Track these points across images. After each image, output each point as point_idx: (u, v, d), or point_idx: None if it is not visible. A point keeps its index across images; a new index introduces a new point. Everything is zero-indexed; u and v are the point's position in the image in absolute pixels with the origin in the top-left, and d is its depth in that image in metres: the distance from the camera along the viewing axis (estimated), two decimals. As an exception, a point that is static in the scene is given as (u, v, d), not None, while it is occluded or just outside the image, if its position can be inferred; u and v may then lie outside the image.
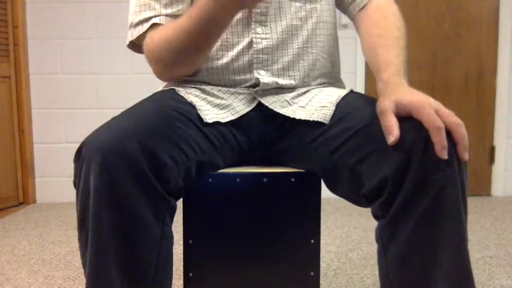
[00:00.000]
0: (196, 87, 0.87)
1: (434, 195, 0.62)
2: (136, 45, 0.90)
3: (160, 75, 0.88)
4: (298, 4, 0.86)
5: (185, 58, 0.82)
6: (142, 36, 0.86)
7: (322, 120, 0.80)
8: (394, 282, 0.67)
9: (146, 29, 0.84)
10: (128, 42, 0.89)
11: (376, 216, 0.70)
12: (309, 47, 0.88)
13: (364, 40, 0.86)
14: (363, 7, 0.90)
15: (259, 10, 0.83)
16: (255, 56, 0.85)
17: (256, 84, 0.86)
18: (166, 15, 0.84)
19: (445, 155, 0.60)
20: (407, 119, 0.65)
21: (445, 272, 0.63)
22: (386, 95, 0.68)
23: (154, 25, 0.84)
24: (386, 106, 0.66)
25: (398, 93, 0.67)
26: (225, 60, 0.85)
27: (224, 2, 0.70)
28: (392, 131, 0.64)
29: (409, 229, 0.64)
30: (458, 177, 0.63)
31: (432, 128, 0.61)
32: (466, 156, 0.62)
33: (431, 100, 0.65)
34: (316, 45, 0.89)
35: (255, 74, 0.85)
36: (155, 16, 0.84)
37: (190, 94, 0.84)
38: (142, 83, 2.68)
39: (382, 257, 0.69)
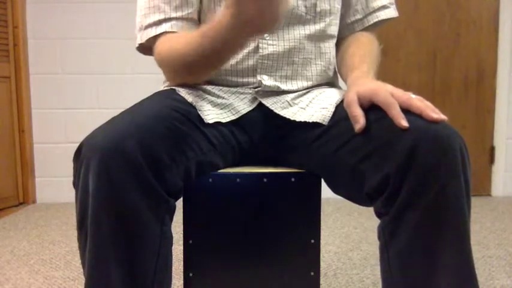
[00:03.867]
0: (197, 88, 0.87)
1: (436, 191, 0.62)
2: (145, 48, 0.90)
3: (171, 80, 0.90)
4: (308, 17, 0.87)
5: (196, 71, 0.82)
6: (151, 39, 0.86)
7: (321, 121, 0.80)
8: (396, 279, 0.67)
9: (157, 33, 0.84)
10: (137, 45, 0.89)
11: (378, 213, 0.70)
12: (315, 59, 0.90)
13: (345, 53, 0.92)
14: (353, 32, 0.97)
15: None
16: (260, 61, 0.85)
17: (259, 86, 0.87)
18: (177, 18, 0.84)
19: (404, 123, 0.64)
20: (411, 118, 0.65)
21: (447, 269, 0.63)
22: (350, 89, 0.75)
23: (165, 32, 0.84)
24: (350, 98, 0.72)
25: (359, 85, 0.74)
26: (229, 62, 0.86)
27: (240, 29, 0.68)
28: (359, 120, 0.70)
29: (411, 226, 0.64)
30: (462, 174, 0.63)
31: (386, 105, 0.67)
32: (439, 115, 0.65)
33: (388, 86, 0.70)
34: (321, 57, 0.91)
35: (258, 78, 0.86)
36: (165, 19, 0.84)
37: (191, 94, 0.84)
38: (142, 83, 2.68)
39: (384, 254, 0.69)
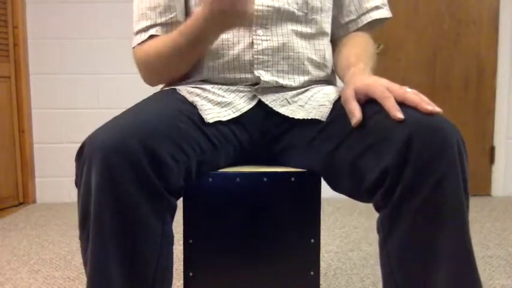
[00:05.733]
0: (197, 87, 0.88)
1: (434, 183, 0.62)
2: None
3: (149, 81, 0.96)
4: (300, 13, 0.88)
5: (174, 67, 0.89)
6: (142, 44, 0.91)
7: (319, 118, 0.81)
8: (395, 273, 0.67)
9: (145, 38, 0.90)
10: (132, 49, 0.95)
11: (377, 207, 0.70)
12: (310, 54, 0.90)
13: (341, 52, 0.94)
14: (348, 32, 0.99)
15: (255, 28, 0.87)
16: (256, 56, 0.86)
17: (257, 83, 0.87)
18: (161, 23, 0.89)
19: (400, 115, 0.65)
20: (407, 111, 0.65)
21: (446, 260, 0.63)
22: (346, 85, 0.77)
23: (151, 36, 0.90)
24: (347, 94, 0.74)
25: (356, 81, 0.75)
26: (226, 58, 0.87)
27: (214, 20, 0.77)
28: (355, 114, 0.71)
29: (409, 218, 0.64)
30: (459, 166, 0.63)
31: (381, 98, 0.68)
32: (434, 108, 0.66)
33: (384, 80, 0.72)
34: (316, 53, 0.92)
35: (256, 73, 0.86)
36: (152, 25, 0.90)
37: (191, 94, 0.84)
38: (142, 83, 2.67)
39: (384, 248, 0.69)
